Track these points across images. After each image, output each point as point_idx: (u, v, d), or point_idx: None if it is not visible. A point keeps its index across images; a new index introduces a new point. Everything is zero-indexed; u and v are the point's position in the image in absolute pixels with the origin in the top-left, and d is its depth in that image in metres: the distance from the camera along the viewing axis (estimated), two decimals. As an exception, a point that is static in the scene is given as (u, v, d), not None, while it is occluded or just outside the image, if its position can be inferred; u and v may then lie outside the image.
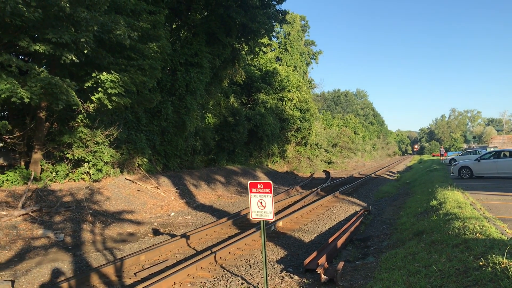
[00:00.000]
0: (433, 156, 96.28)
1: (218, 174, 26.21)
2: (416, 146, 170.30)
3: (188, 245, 10.59)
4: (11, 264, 9.35)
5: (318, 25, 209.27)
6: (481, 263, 5.30)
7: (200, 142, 27.16)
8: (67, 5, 11.40)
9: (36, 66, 11.84)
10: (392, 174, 40.54)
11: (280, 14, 27.62)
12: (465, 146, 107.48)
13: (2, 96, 10.87)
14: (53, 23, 12.10)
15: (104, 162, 16.32)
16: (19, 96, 11.09)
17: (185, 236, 10.88)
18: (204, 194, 21.19)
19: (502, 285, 4.34)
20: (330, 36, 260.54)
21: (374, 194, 21.45)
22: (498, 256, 5.29)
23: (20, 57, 14.70)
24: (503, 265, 4.93)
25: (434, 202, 11.97)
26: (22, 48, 12.22)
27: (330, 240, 9.93)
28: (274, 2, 26.78)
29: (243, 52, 29.76)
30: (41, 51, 11.74)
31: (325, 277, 7.11)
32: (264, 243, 6.65)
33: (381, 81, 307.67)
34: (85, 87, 14.13)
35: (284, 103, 41.56)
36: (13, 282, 7.57)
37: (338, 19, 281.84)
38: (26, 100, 11.34)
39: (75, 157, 15.66)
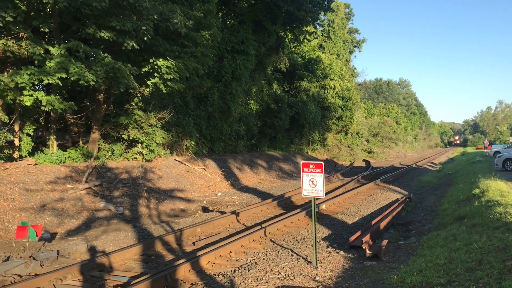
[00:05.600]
0: (477, 148, 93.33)
1: (260, 159, 26.95)
2: (456, 138, 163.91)
3: (238, 221, 11.36)
4: (80, 231, 10.42)
5: (363, 13, 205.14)
6: (520, 242, 5.72)
7: (244, 128, 27.97)
8: (131, -6, 12.27)
9: (101, 52, 12.79)
10: (433, 165, 40.03)
11: (326, 2, 27.86)
12: (511, 139, 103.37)
13: (72, 78, 11.92)
14: (116, 12, 13.01)
15: (156, 143, 17.30)
16: (86, 79, 12.11)
17: (234, 213, 11.65)
18: (248, 177, 21.98)
19: (539, 259, 4.78)
20: (374, 24, 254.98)
21: (415, 184, 21.56)
22: (537, 235, 5.70)
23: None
24: (541, 243, 5.34)
25: (477, 191, 12.18)
26: (87, 34, 13.22)
27: (373, 222, 10.42)
28: (320, -10, 27.02)
29: (287, 40, 30.16)
30: (106, 37, 12.70)
31: (370, 252, 7.66)
32: (315, 217, 7.26)
33: (425, 71, 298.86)
34: (141, 72, 15.03)
35: (326, 91, 41.67)
36: (87, 245, 8.53)
37: (383, 7, 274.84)
38: (92, 83, 12.35)
39: (130, 138, 16.72)
